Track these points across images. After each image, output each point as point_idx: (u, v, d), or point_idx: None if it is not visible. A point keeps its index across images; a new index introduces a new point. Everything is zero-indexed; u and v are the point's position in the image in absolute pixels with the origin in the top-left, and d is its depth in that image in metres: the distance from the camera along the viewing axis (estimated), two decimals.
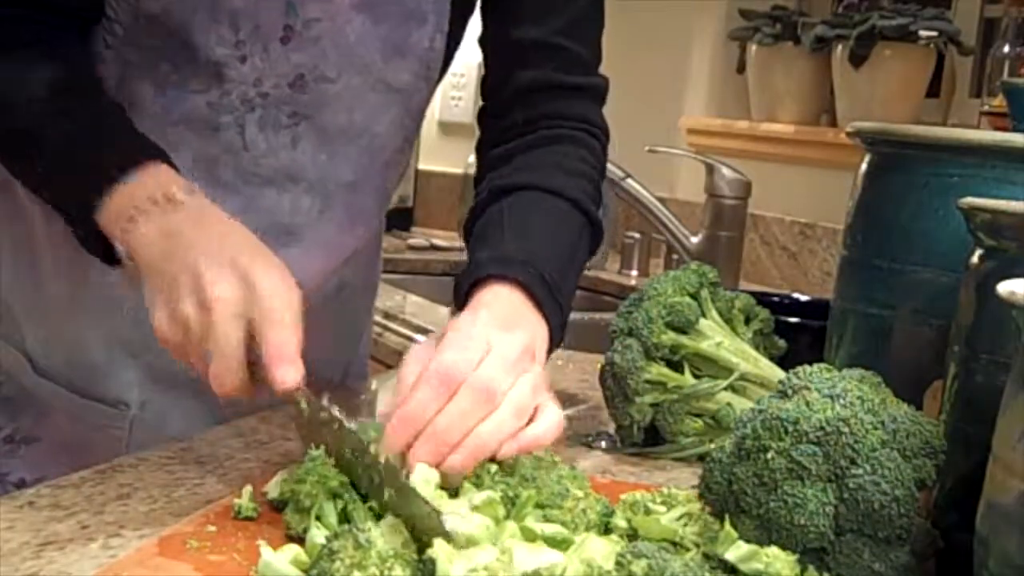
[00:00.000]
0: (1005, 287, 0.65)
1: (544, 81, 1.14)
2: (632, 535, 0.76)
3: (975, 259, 0.79)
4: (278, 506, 0.80)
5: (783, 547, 0.70)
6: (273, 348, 0.80)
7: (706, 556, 0.72)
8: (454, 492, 0.79)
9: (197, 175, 0.98)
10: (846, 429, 0.71)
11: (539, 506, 0.77)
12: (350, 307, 1.23)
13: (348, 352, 1.27)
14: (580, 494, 0.78)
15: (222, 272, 0.82)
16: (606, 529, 0.78)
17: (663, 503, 0.77)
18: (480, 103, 1.17)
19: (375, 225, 1.18)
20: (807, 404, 0.73)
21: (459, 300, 0.96)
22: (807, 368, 0.77)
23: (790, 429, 0.72)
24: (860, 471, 0.70)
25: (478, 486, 0.79)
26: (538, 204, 1.05)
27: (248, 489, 0.81)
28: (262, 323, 0.81)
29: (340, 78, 1.04)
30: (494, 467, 0.81)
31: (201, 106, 1.03)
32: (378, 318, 1.85)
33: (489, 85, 1.15)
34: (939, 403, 0.81)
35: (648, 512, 0.77)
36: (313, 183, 1.08)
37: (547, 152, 1.11)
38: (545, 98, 1.14)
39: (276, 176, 1.06)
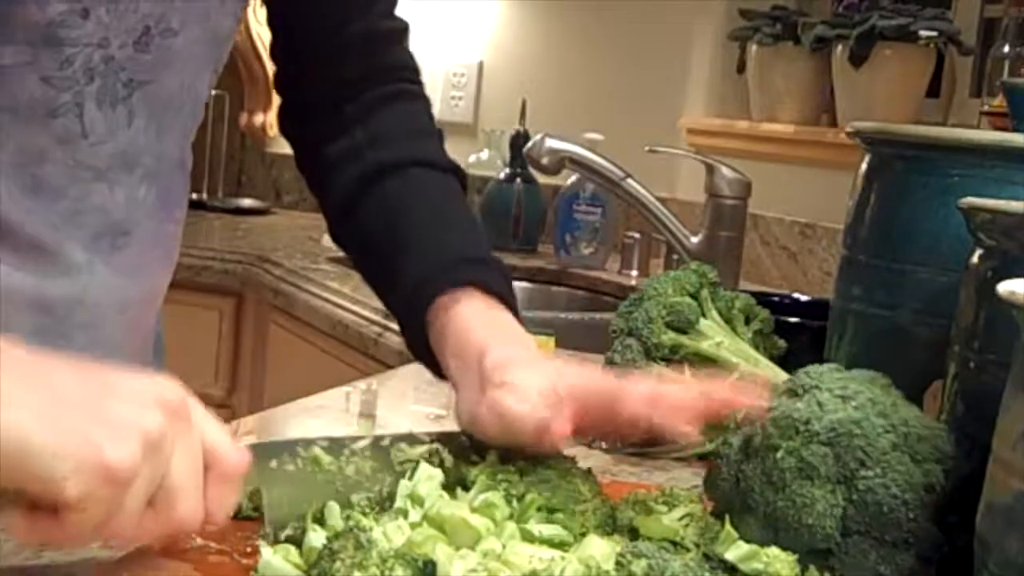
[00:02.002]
0: (1005, 287, 0.65)
1: (373, 31, 1.03)
2: (633, 533, 0.76)
3: (975, 259, 0.79)
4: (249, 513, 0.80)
5: (789, 547, 0.70)
6: (228, 465, 0.67)
7: (706, 556, 0.72)
8: (452, 491, 0.79)
9: (13, 180, 0.83)
10: (858, 431, 0.71)
11: (547, 510, 0.76)
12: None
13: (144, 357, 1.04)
14: (588, 495, 0.78)
15: (138, 399, 0.64)
16: (615, 527, 0.78)
17: (664, 503, 0.77)
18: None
19: (185, 203, 1.01)
20: (819, 404, 0.73)
21: (418, 306, 0.91)
22: (817, 368, 0.77)
23: (801, 429, 0.72)
24: (870, 473, 0.70)
25: (490, 487, 0.79)
26: (433, 185, 0.99)
27: (248, 489, 0.81)
28: (208, 439, 0.67)
29: (183, 30, 0.88)
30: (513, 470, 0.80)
31: (32, 84, 0.82)
32: (378, 318, 1.85)
33: (299, 41, 1.03)
34: (939, 403, 0.81)
35: (649, 512, 0.77)
36: (149, 168, 0.92)
37: (401, 115, 1.03)
38: (374, 49, 1.03)
39: (112, 166, 0.88)
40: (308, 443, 0.78)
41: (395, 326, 1.78)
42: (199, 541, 0.75)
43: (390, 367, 1.64)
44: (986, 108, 1.95)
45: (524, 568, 0.67)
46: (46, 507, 0.61)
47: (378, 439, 0.80)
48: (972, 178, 0.90)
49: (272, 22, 1.03)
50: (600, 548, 0.70)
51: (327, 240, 2.93)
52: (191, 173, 1.01)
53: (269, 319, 2.26)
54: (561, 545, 0.72)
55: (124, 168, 0.89)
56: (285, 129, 1.07)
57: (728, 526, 0.72)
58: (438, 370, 0.92)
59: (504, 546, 0.70)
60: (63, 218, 0.86)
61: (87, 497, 0.60)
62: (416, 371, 1.51)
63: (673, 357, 1.03)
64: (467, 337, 0.87)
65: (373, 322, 1.85)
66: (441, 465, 0.80)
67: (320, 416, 1.16)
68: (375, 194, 0.98)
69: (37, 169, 0.85)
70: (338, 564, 0.65)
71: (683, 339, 1.03)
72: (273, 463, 0.76)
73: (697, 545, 0.73)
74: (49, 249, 0.86)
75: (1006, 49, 1.98)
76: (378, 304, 2.00)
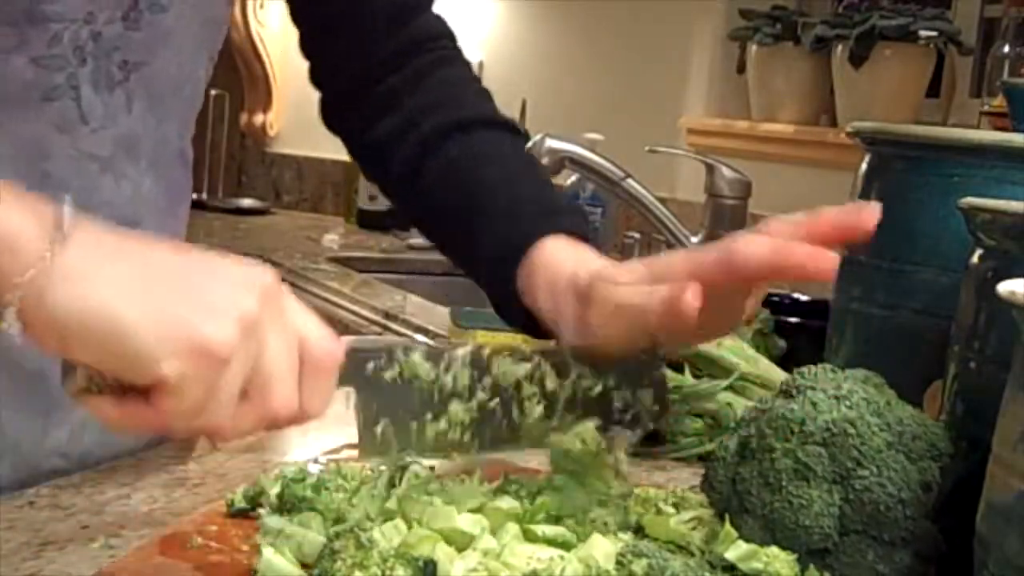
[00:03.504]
0: (1005, 287, 0.65)
1: (397, 2, 1.00)
2: (640, 532, 0.76)
3: (975, 259, 0.79)
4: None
5: (787, 547, 0.70)
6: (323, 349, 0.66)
7: (710, 564, 0.72)
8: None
9: (16, 175, 0.78)
10: (853, 431, 0.71)
11: (556, 517, 0.76)
12: None
13: None
14: (613, 495, 0.77)
15: (233, 280, 0.63)
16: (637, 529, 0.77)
17: (674, 504, 0.77)
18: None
19: (188, 202, 0.99)
20: (813, 405, 0.73)
21: (503, 265, 0.87)
22: (811, 368, 0.77)
23: (796, 430, 0.72)
24: (866, 472, 0.70)
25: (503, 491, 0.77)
26: (496, 143, 0.96)
27: (249, 488, 0.81)
28: (302, 328, 0.66)
29: (171, 6, 0.86)
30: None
31: (22, 67, 0.80)
32: (378, 318, 1.85)
33: (323, 28, 1.00)
34: (939, 403, 0.81)
35: (658, 512, 0.77)
36: (152, 157, 0.90)
37: (447, 80, 1.00)
38: (403, 21, 1.00)
39: (116, 154, 0.87)
40: (408, 349, 0.74)
41: (395, 326, 1.80)
42: (199, 541, 0.75)
43: None
44: (986, 108, 1.95)
45: (524, 568, 0.67)
46: (138, 392, 0.59)
47: (479, 348, 0.76)
48: (972, 178, 0.90)
49: (295, 16, 1.01)
50: (603, 548, 0.70)
51: (327, 240, 2.94)
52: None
53: None
54: (564, 545, 0.72)
55: (128, 156, 0.88)
56: (329, 123, 1.05)
57: (727, 526, 0.72)
58: (531, 328, 0.88)
59: (504, 546, 0.70)
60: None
61: (183, 378, 0.58)
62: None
63: (673, 357, 1.03)
64: (558, 268, 0.84)
65: (373, 322, 1.85)
66: (541, 384, 0.77)
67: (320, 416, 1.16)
68: (439, 159, 0.95)
69: (41, 162, 0.83)
70: (339, 564, 0.65)
71: None
72: (370, 367, 0.73)
73: (702, 551, 0.73)
74: None
75: (1006, 49, 1.98)
76: (378, 304, 2.00)
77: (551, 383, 0.77)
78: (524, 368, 0.77)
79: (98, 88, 0.84)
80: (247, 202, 3.08)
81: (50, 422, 0.88)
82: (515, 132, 0.99)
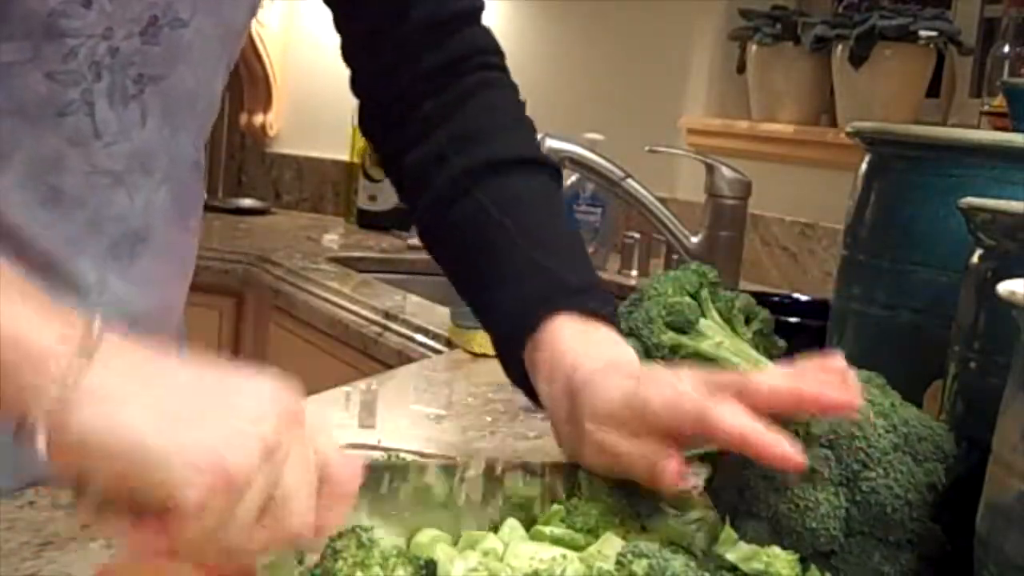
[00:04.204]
0: (1005, 287, 0.65)
1: (439, 15, 0.97)
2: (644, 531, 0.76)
3: (975, 259, 0.79)
4: None
5: (793, 550, 0.70)
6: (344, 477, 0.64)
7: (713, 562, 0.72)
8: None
9: (29, 192, 0.81)
10: (859, 433, 0.71)
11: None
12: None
13: None
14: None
15: (256, 403, 0.61)
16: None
17: (675, 505, 0.77)
18: None
19: (201, 210, 0.99)
20: None
21: (515, 340, 0.85)
22: None
23: (801, 432, 0.72)
24: (872, 474, 0.70)
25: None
26: (527, 192, 0.93)
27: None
28: (322, 451, 0.64)
29: (193, 19, 0.85)
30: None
31: (36, 81, 0.79)
32: (378, 318, 1.85)
33: (363, 38, 0.98)
34: (939, 403, 0.81)
35: (660, 511, 0.77)
36: (165, 169, 0.89)
37: (484, 109, 0.96)
38: (444, 35, 0.97)
39: (129, 168, 0.86)
40: (421, 467, 0.75)
41: (395, 326, 1.80)
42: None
43: (390, 367, 1.64)
44: (986, 108, 1.95)
45: (525, 568, 0.67)
46: (154, 514, 0.58)
47: (491, 466, 0.76)
48: (972, 178, 0.90)
49: (337, 23, 0.99)
50: (615, 546, 0.70)
51: (327, 240, 2.94)
52: None
53: (269, 319, 2.26)
54: (571, 544, 0.72)
55: (142, 170, 0.87)
56: (365, 131, 1.03)
57: (728, 527, 0.71)
58: (537, 399, 0.87)
59: (505, 546, 0.70)
60: (81, 229, 0.84)
61: (202, 503, 0.57)
62: (416, 371, 1.51)
63: (673, 357, 1.03)
64: (559, 357, 0.82)
65: (373, 322, 1.85)
66: (553, 503, 0.76)
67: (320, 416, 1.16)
68: (465, 205, 0.92)
69: (54, 178, 0.82)
70: (340, 563, 0.65)
71: (683, 339, 1.03)
72: (384, 486, 0.73)
73: (705, 553, 0.73)
74: (61, 268, 0.84)
75: (1006, 49, 1.98)
76: (378, 304, 2.01)
77: (562, 499, 0.76)
78: (536, 488, 0.77)
79: (113, 102, 0.83)
80: (247, 202, 3.08)
81: None
82: (548, 171, 0.95)
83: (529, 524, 0.74)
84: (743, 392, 0.72)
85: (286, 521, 0.61)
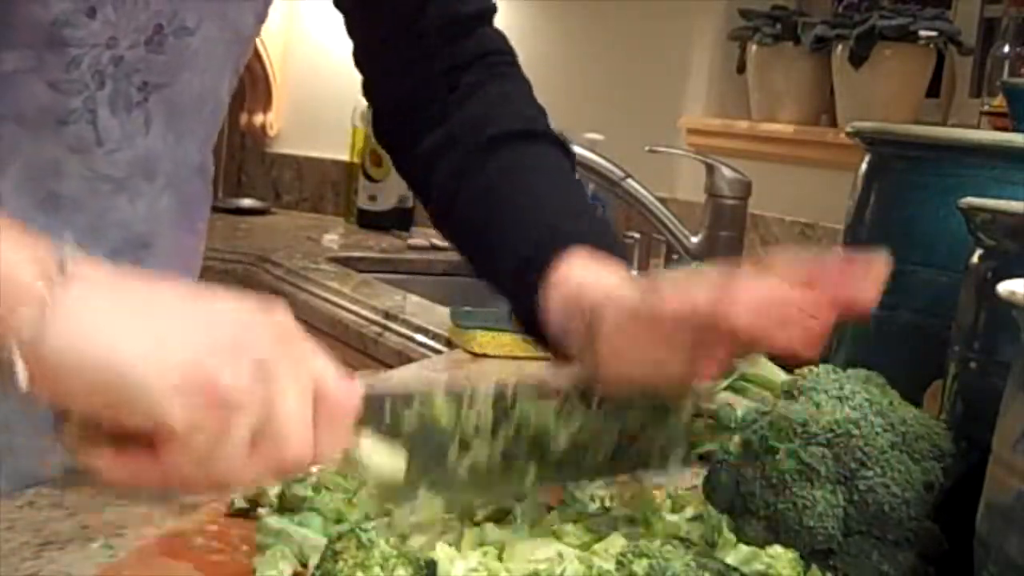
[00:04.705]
0: (1005, 287, 0.65)
1: (451, 16, 0.96)
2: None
3: (975, 259, 0.79)
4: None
5: (791, 548, 0.70)
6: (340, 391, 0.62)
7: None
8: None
9: (27, 197, 0.80)
10: (856, 431, 0.71)
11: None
12: None
13: None
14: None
15: (248, 322, 0.59)
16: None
17: (674, 504, 0.77)
18: None
19: (207, 214, 0.98)
20: (816, 406, 0.73)
21: (523, 288, 0.83)
22: (813, 369, 0.77)
23: (799, 431, 0.72)
24: (870, 473, 0.71)
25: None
26: (541, 161, 0.92)
27: (249, 488, 0.81)
28: (319, 373, 0.61)
29: (199, 28, 0.85)
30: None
31: (39, 90, 0.79)
32: (378, 318, 1.85)
33: (376, 41, 0.97)
34: (939, 403, 0.81)
35: (656, 509, 0.77)
36: (170, 176, 0.88)
37: (497, 96, 0.96)
38: (457, 36, 0.96)
39: (131, 174, 0.85)
40: (427, 395, 0.71)
41: (395, 326, 1.80)
42: (199, 541, 0.75)
43: (390, 367, 1.64)
44: (986, 108, 1.95)
45: (524, 568, 0.67)
46: (139, 442, 0.55)
47: (501, 391, 0.73)
48: (972, 178, 0.90)
49: (349, 28, 0.98)
50: (617, 545, 0.69)
51: (327, 240, 2.94)
52: None
53: None
54: (577, 541, 0.72)
55: (144, 177, 0.86)
56: (380, 138, 1.01)
57: (726, 531, 0.71)
58: (558, 352, 0.84)
59: (505, 545, 0.70)
60: (81, 234, 0.79)
61: (192, 425, 0.54)
62: (416, 371, 1.51)
63: None
64: (570, 287, 0.80)
65: (373, 322, 1.85)
66: (567, 422, 0.74)
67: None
68: (475, 179, 0.91)
69: (53, 183, 0.81)
70: (340, 564, 0.65)
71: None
72: (388, 409, 0.70)
73: (705, 541, 0.73)
74: None
75: (1006, 49, 1.98)
76: (378, 304, 2.01)
77: (578, 422, 0.75)
78: (550, 407, 0.74)
79: (116, 110, 0.82)
80: (247, 202, 3.08)
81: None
82: (559, 145, 0.95)
83: (542, 451, 0.72)
84: (757, 269, 0.70)
85: (282, 446, 0.58)
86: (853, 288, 0.70)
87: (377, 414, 0.69)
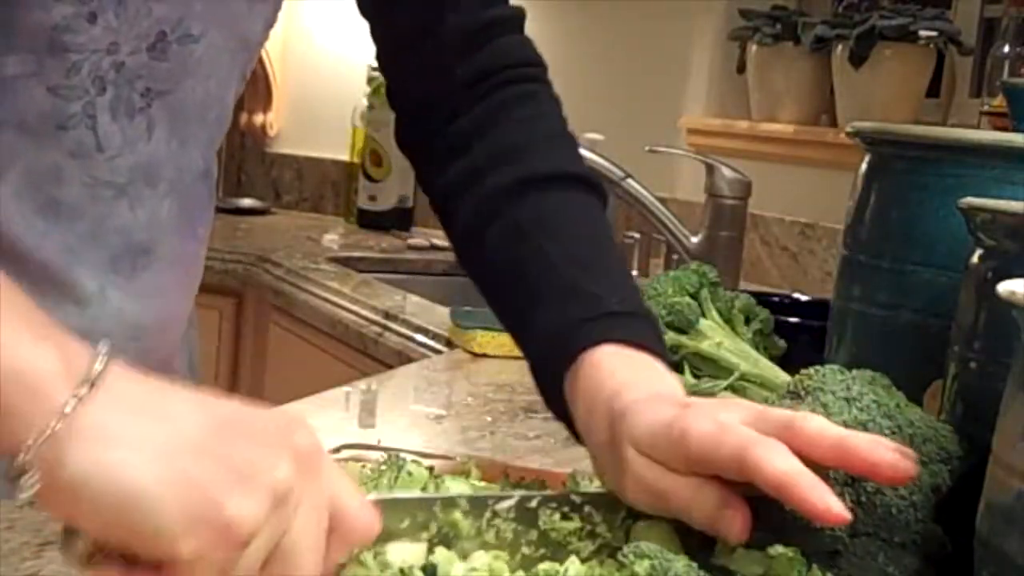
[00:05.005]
0: (1005, 287, 0.65)
1: (474, 22, 0.92)
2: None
3: (975, 259, 0.79)
4: None
5: (791, 548, 0.70)
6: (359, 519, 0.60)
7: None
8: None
9: (26, 202, 0.79)
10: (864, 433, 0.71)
11: None
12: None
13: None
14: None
15: (267, 444, 0.56)
16: None
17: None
18: None
19: (210, 219, 0.98)
20: (823, 407, 0.73)
21: (553, 366, 0.79)
22: (819, 369, 0.77)
23: None
24: None
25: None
26: (567, 210, 0.87)
27: None
28: (336, 495, 0.59)
29: (204, 36, 0.83)
30: None
31: (39, 96, 0.78)
32: (378, 318, 1.85)
33: (398, 47, 0.95)
34: (939, 403, 0.81)
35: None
36: (173, 182, 0.87)
37: (523, 123, 0.91)
38: (480, 43, 0.92)
39: (132, 180, 0.84)
40: (448, 502, 0.69)
41: (395, 326, 1.80)
42: None
43: (390, 367, 1.64)
44: (986, 108, 1.95)
45: (526, 569, 0.67)
46: (147, 561, 0.54)
47: (525, 500, 0.71)
48: (972, 178, 0.89)
49: (373, 33, 0.96)
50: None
51: (327, 240, 2.94)
52: None
53: (269, 319, 2.26)
54: None
55: (146, 183, 0.85)
56: (403, 147, 0.98)
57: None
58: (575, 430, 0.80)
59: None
60: (81, 240, 0.83)
61: (200, 558, 0.53)
62: (416, 371, 1.51)
63: (673, 357, 1.03)
64: (599, 384, 0.75)
65: (373, 322, 1.85)
66: (592, 538, 0.71)
67: (320, 417, 1.16)
68: (502, 223, 0.86)
69: (53, 189, 0.80)
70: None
71: (683, 339, 1.03)
72: (406, 523, 0.67)
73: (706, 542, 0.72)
74: (59, 278, 0.83)
75: (1006, 49, 1.98)
76: (378, 304, 2.01)
77: (602, 537, 0.72)
78: (574, 523, 0.71)
79: (117, 116, 0.82)
80: (247, 202, 3.08)
81: None
82: (589, 186, 0.90)
83: (562, 562, 0.68)
84: (790, 428, 0.66)
85: (292, 569, 0.56)
86: (880, 474, 0.66)
87: (395, 523, 0.67)
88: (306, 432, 0.58)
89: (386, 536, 0.64)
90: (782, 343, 1.10)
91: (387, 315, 1.84)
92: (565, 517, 0.71)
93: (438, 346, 1.66)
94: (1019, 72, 1.95)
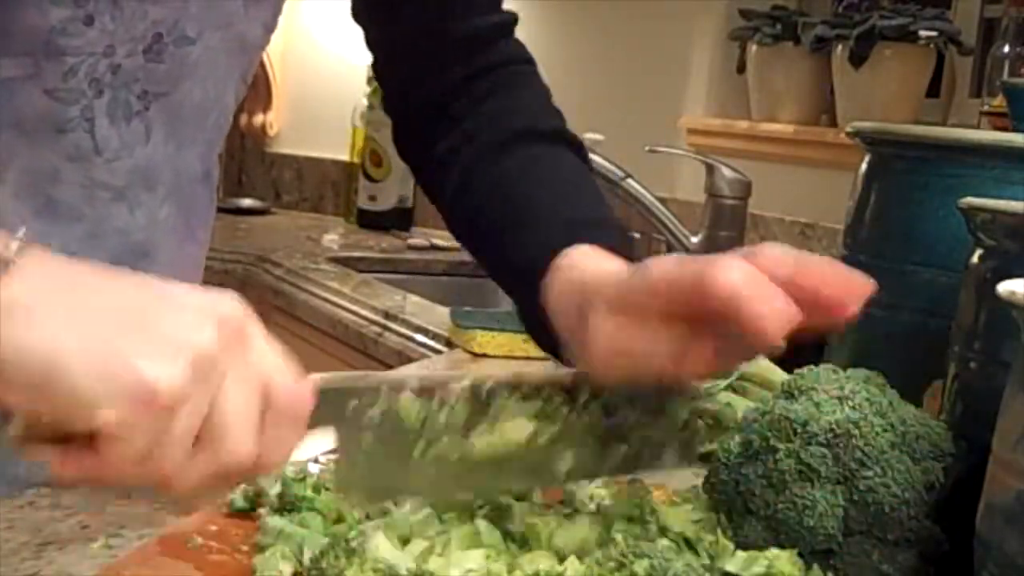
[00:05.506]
0: (1005, 287, 0.65)
1: (475, 30, 0.95)
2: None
3: (975, 259, 0.79)
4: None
5: (791, 548, 0.70)
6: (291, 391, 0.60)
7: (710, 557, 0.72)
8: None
9: (24, 203, 0.80)
10: (856, 431, 0.71)
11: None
12: None
13: None
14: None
15: (191, 313, 0.56)
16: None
17: (675, 504, 0.77)
18: None
19: (211, 222, 0.98)
20: (816, 405, 0.73)
21: (529, 282, 0.81)
22: (813, 369, 0.77)
23: (799, 431, 0.72)
24: (870, 473, 0.70)
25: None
26: (547, 156, 0.90)
27: (249, 488, 0.81)
28: (269, 368, 0.59)
29: (201, 37, 0.84)
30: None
31: (36, 98, 0.78)
32: (378, 318, 1.85)
33: (399, 54, 0.96)
34: (939, 403, 0.81)
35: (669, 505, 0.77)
36: (171, 185, 0.88)
37: (513, 97, 0.95)
38: (478, 49, 0.95)
39: (131, 183, 0.85)
40: (396, 385, 0.67)
41: (395, 326, 1.80)
42: (199, 541, 0.75)
43: (390, 367, 1.64)
44: (986, 108, 1.95)
45: (526, 570, 0.67)
46: (83, 439, 0.54)
47: (478, 384, 0.69)
48: (972, 178, 0.89)
49: (368, 42, 0.97)
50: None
51: (327, 240, 2.94)
52: None
53: (269, 319, 2.26)
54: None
55: (144, 186, 0.86)
56: (400, 150, 1.00)
57: (723, 539, 0.71)
58: (558, 352, 0.82)
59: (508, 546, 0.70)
60: (80, 242, 0.83)
61: (126, 424, 0.53)
62: (416, 371, 1.51)
63: None
64: (571, 279, 0.77)
65: (373, 322, 1.85)
66: (549, 421, 0.70)
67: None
68: (488, 174, 0.90)
69: (51, 190, 0.81)
70: (327, 567, 0.65)
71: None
72: (352, 405, 0.66)
73: (706, 542, 0.72)
74: None
75: (1006, 49, 1.98)
76: (378, 304, 2.01)
77: (561, 421, 0.71)
78: (531, 406, 0.71)
79: (114, 119, 0.82)
80: (247, 202, 3.08)
81: None
82: (574, 146, 0.93)
83: (521, 457, 0.69)
84: (749, 254, 0.69)
85: (225, 450, 0.56)
86: (834, 295, 0.69)
87: (339, 409, 0.65)
88: (234, 304, 0.58)
89: (328, 420, 0.63)
90: (782, 343, 1.10)
91: (387, 315, 1.84)
92: (526, 398, 0.70)
93: (438, 346, 1.66)
94: (1019, 72, 1.95)
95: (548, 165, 0.90)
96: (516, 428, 0.70)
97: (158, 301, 0.57)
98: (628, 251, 0.82)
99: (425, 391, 0.68)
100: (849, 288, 0.69)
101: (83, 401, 0.53)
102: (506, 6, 0.98)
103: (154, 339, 0.54)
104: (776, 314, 0.66)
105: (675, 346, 0.70)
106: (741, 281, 0.67)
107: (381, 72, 0.99)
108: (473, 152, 0.91)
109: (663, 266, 0.70)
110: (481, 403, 0.69)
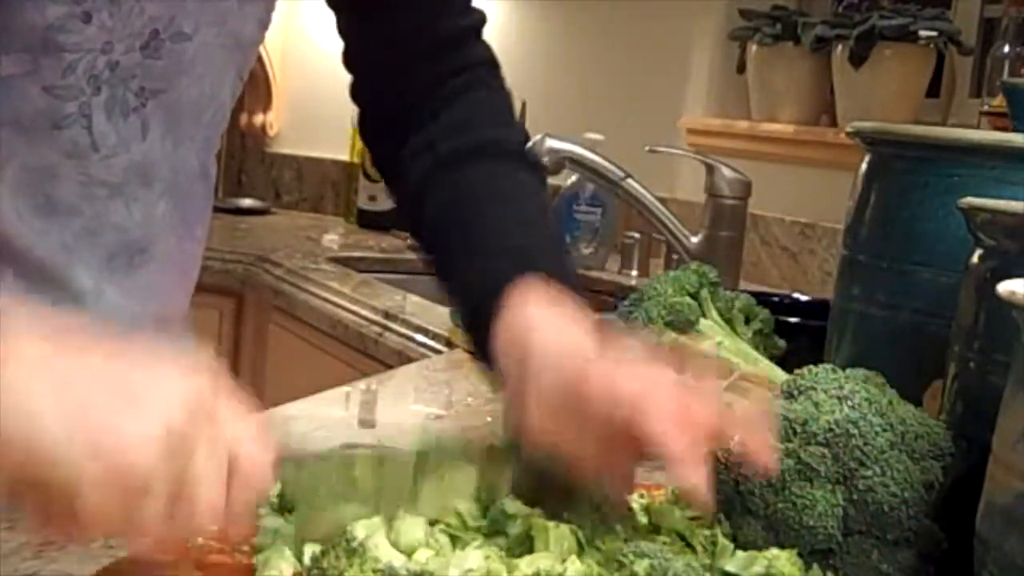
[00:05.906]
0: (1005, 287, 0.65)
1: (448, 31, 0.97)
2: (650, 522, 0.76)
3: (975, 259, 0.79)
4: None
5: (790, 547, 0.70)
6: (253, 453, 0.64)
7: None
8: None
9: (23, 199, 0.81)
10: (855, 431, 0.71)
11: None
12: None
13: None
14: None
15: (163, 396, 0.61)
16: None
17: (675, 504, 0.77)
18: None
19: (208, 219, 0.99)
20: (815, 405, 0.73)
21: (481, 320, 0.83)
22: (812, 368, 0.77)
23: (798, 430, 0.72)
24: (869, 473, 0.71)
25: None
26: (504, 177, 0.93)
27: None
28: (235, 440, 0.63)
29: (197, 33, 0.84)
30: None
31: (34, 95, 0.79)
32: (378, 318, 1.85)
33: (372, 50, 0.98)
34: (939, 403, 0.81)
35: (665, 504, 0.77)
36: (167, 181, 0.88)
37: (476, 103, 0.97)
38: (450, 50, 0.98)
39: (128, 180, 0.85)
40: (347, 458, 0.73)
41: (395, 326, 1.80)
42: (199, 541, 0.75)
43: (390, 367, 1.64)
44: (986, 108, 1.95)
45: (526, 569, 0.67)
46: (61, 506, 0.58)
47: (423, 453, 0.75)
48: (972, 178, 0.90)
49: (341, 29, 0.98)
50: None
51: (327, 240, 2.94)
52: None
53: (269, 319, 2.26)
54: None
55: (141, 182, 0.86)
56: (365, 139, 1.03)
57: (723, 539, 0.71)
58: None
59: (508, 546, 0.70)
60: (77, 238, 0.83)
61: (102, 502, 0.58)
62: (416, 371, 1.51)
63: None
64: (518, 332, 0.79)
65: (373, 322, 1.85)
66: (488, 487, 0.75)
67: (320, 417, 1.16)
68: (444, 188, 0.92)
69: (48, 187, 0.82)
70: (327, 567, 0.65)
71: (683, 339, 1.03)
72: (307, 473, 0.72)
73: (704, 547, 0.73)
74: (56, 275, 0.84)
75: (1006, 49, 1.99)
76: (378, 304, 2.01)
77: (505, 484, 0.76)
78: (473, 469, 0.75)
79: (112, 115, 0.82)
80: (247, 202, 3.08)
81: None
82: (533, 167, 0.96)
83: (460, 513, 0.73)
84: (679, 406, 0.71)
85: (193, 516, 0.60)
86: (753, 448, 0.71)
87: (296, 473, 0.71)
88: (203, 383, 0.62)
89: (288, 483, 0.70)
90: (782, 343, 1.10)
91: (387, 315, 1.84)
92: (461, 470, 0.75)
93: (438, 346, 1.66)
94: (1019, 72, 1.95)
95: (502, 186, 0.93)
96: (463, 481, 0.75)
97: (135, 381, 0.61)
98: (572, 277, 0.87)
99: (376, 457, 0.74)
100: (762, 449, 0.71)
101: (64, 482, 0.57)
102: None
103: (129, 428, 0.59)
104: (701, 480, 0.68)
105: (598, 444, 0.72)
106: (673, 446, 0.68)
107: (351, 61, 1.00)
108: (431, 161, 0.94)
109: (603, 378, 0.72)
110: (426, 467, 0.74)
